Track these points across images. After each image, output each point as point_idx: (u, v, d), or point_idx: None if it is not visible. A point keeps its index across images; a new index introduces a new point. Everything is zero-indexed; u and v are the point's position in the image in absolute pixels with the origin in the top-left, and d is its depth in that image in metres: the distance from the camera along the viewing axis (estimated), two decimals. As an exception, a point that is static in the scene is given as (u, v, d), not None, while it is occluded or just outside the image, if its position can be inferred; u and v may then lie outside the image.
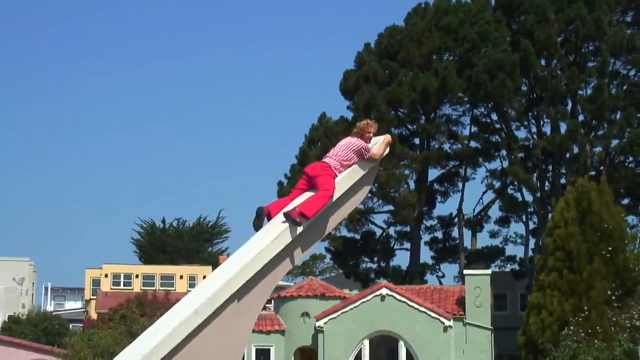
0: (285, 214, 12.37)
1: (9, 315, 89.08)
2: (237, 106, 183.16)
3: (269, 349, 57.88)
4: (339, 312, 56.70)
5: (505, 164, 79.11)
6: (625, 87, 74.94)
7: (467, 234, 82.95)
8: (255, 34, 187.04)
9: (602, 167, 74.78)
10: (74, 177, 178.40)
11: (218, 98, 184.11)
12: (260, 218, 12.55)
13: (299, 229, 12.32)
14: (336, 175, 12.74)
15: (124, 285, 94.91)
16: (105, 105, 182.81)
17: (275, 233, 12.21)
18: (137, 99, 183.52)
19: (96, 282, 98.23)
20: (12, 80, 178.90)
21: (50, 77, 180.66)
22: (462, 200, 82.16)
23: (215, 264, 71.41)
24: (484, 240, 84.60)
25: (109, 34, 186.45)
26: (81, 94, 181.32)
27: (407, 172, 78.83)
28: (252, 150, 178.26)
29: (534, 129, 78.52)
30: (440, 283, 78.86)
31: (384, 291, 57.39)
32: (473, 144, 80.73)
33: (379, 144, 13.33)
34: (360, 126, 13.62)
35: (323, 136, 73.85)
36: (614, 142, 74.96)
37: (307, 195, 12.67)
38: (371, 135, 13.55)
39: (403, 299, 56.83)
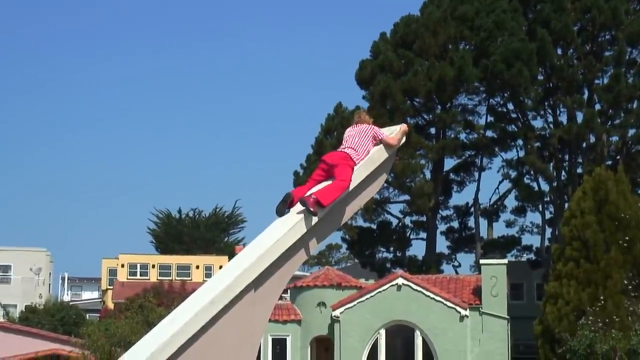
0: (301, 200, 12.36)
1: (26, 305, 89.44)
2: (253, 96, 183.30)
3: (286, 339, 57.99)
4: (355, 302, 56.76)
5: (522, 153, 79.12)
6: (642, 77, 74.80)
7: (483, 223, 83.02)
8: (272, 26, 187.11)
9: (618, 157, 74.69)
10: (91, 167, 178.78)
11: (236, 89, 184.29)
12: (286, 204, 12.54)
13: (315, 219, 12.33)
14: (355, 164, 12.73)
15: (140, 275, 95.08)
16: (122, 95, 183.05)
17: (291, 223, 12.23)
18: (156, 90, 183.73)
19: (113, 272, 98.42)
20: (28, 66, 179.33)
21: (64, 64, 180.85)
22: (478, 189, 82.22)
23: (231, 254, 71.46)
24: (500, 229, 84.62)
25: (131, 17, 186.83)
26: (100, 82, 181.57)
27: (423, 161, 78.82)
28: (268, 141, 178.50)
29: (550, 119, 78.55)
30: (457, 273, 78.85)
31: (400, 281, 57.43)
32: (489, 133, 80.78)
33: (395, 133, 13.33)
34: (356, 120, 13.60)
35: (339, 126, 73.73)
36: (631, 132, 74.90)
37: (324, 184, 12.67)
38: (365, 121, 13.55)
39: (419, 288, 56.86)
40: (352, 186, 12.68)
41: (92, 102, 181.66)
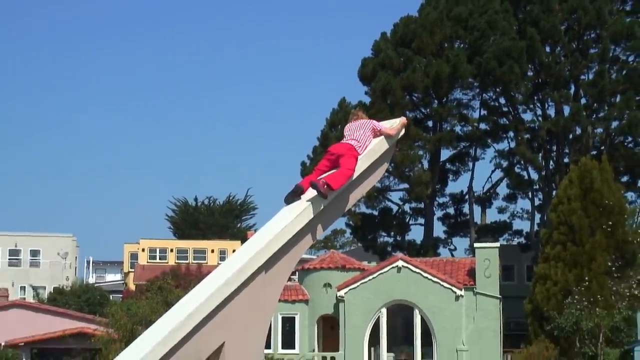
0: (312, 183, 12.38)
1: (54, 287, 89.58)
2: (264, 93, 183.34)
3: (294, 317, 58.07)
4: (358, 283, 56.83)
5: (513, 144, 79.20)
6: (624, 72, 74.78)
7: (477, 209, 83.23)
8: (276, 26, 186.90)
9: (603, 147, 74.69)
10: (114, 158, 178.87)
11: (250, 87, 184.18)
12: (295, 194, 12.54)
13: (322, 205, 12.34)
14: (359, 155, 12.74)
15: (159, 259, 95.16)
16: (149, 86, 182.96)
17: (299, 210, 12.24)
18: (176, 82, 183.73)
19: (134, 256, 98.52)
20: (58, 47, 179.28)
21: (88, 47, 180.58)
22: (472, 178, 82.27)
23: (243, 239, 71.50)
24: (492, 215, 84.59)
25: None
26: (127, 70, 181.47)
27: (421, 152, 78.85)
28: (277, 133, 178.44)
29: (539, 112, 78.62)
30: (452, 255, 78.86)
31: (400, 263, 57.49)
32: (482, 126, 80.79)
33: (395, 125, 13.33)
34: (354, 118, 13.57)
35: (343, 120, 73.60)
36: (614, 124, 74.90)
37: (331, 172, 12.69)
38: (365, 118, 13.54)
39: (418, 270, 56.92)
40: (355, 175, 12.69)
41: (119, 92, 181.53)
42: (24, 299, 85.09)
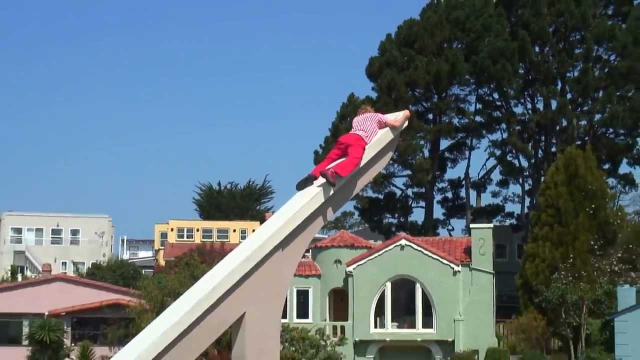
0: (322, 173, 12.40)
1: (92, 263, 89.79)
2: (280, 90, 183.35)
3: (308, 290, 58.13)
4: (365, 260, 56.87)
5: (505, 135, 79.26)
6: (606, 70, 74.73)
7: (472, 194, 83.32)
8: (294, 25, 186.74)
9: (586, 138, 74.62)
10: (145, 145, 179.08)
11: (270, 82, 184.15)
12: (307, 181, 12.56)
13: (331, 191, 12.36)
14: (366, 144, 12.75)
15: (186, 238, 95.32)
16: (178, 76, 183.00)
17: (312, 194, 12.26)
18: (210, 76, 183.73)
19: (164, 235, 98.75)
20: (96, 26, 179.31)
21: (130, 30, 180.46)
22: (468, 166, 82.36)
23: (262, 220, 71.55)
24: (487, 199, 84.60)
25: None
26: (157, 60, 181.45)
27: (422, 142, 78.93)
28: (292, 125, 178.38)
29: (529, 106, 78.71)
30: (450, 235, 78.82)
31: (403, 242, 57.52)
32: (478, 118, 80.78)
33: (400, 117, 13.33)
34: (361, 110, 13.56)
35: (351, 112, 73.49)
36: (597, 117, 74.87)
37: (340, 160, 12.71)
38: (372, 112, 13.53)
39: (419, 248, 56.93)
40: (362, 163, 12.70)
41: (154, 84, 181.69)
42: (65, 273, 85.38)
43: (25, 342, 56.98)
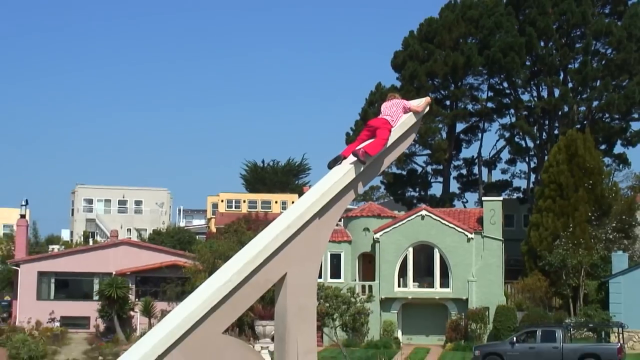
0: (354, 152, 12.40)
1: (153, 229, 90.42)
2: (317, 80, 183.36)
3: (340, 254, 58.22)
4: (390, 228, 56.88)
5: (513, 119, 78.91)
6: (603, 62, 74.34)
7: (484, 171, 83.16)
8: (327, 28, 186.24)
9: (585, 122, 74.24)
10: (200, 126, 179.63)
11: (309, 74, 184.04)
12: (337, 160, 12.57)
13: (362, 168, 12.36)
14: (392, 127, 12.73)
15: (234, 208, 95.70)
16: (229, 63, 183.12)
17: (344, 171, 12.27)
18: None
19: (215, 206, 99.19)
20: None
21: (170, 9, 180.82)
22: (481, 146, 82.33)
23: (300, 193, 71.77)
24: (497, 175, 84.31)
25: None
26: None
27: (440, 125, 78.75)
28: (328, 109, 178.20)
29: (535, 94, 78.33)
30: (465, 206, 78.74)
31: (423, 212, 57.46)
32: (489, 104, 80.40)
33: (421, 103, 13.29)
34: (390, 98, 13.52)
35: (378, 99, 73.53)
36: (595, 103, 74.58)
37: (369, 141, 12.70)
38: (398, 98, 13.48)
39: (437, 218, 56.86)
40: (389, 144, 12.68)
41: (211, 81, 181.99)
42: (130, 238, 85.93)
43: (96, 298, 57.50)
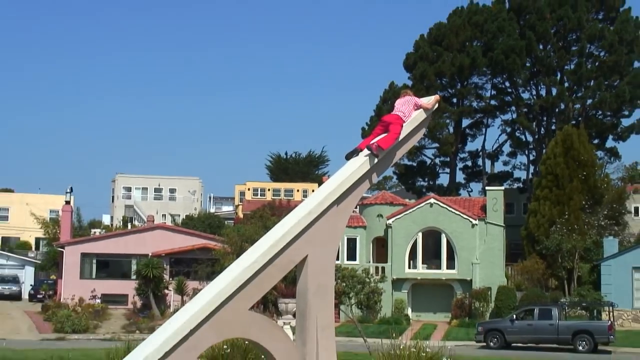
0: (368, 146, 12.39)
1: (186, 215, 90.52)
2: (336, 76, 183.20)
3: (356, 238, 58.26)
4: (402, 214, 56.85)
5: (514, 116, 78.87)
6: (597, 64, 74.17)
7: (487, 163, 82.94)
8: (345, 30, 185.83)
9: (580, 118, 74.06)
10: (228, 118, 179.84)
11: (329, 74, 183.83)
12: (354, 153, 12.57)
13: (376, 160, 12.35)
14: (404, 122, 12.72)
15: (260, 196, 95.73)
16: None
17: (360, 163, 12.27)
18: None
19: (242, 194, 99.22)
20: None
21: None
22: (484, 140, 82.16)
23: (320, 182, 71.76)
24: (499, 167, 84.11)
25: None
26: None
27: (447, 121, 78.66)
28: (345, 107, 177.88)
29: (534, 92, 78.26)
30: (469, 195, 78.63)
31: (432, 200, 57.39)
32: (492, 102, 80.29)
33: (431, 100, 13.27)
34: (403, 92, 13.50)
35: (392, 97, 73.56)
36: (589, 101, 74.41)
37: (382, 136, 12.69)
38: (411, 95, 13.45)
39: (444, 205, 56.77)
40: (400, 138, 12.66)
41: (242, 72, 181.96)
42: (165, 223, 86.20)
43: (134, 277, 57.70)
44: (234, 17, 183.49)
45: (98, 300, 56.15)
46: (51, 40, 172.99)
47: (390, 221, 56.76)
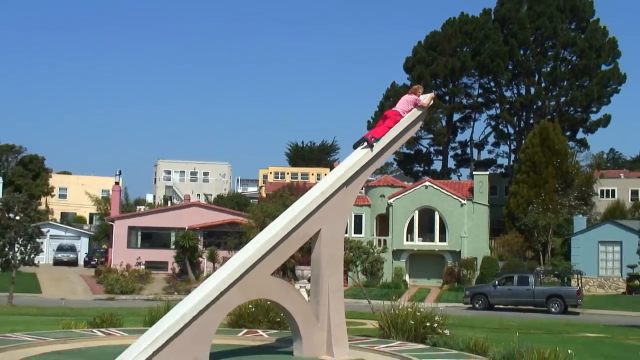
0: (364, 138, 12.44)
1: (217, 194, 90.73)
2: (346, 75, 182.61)
3: (362, 215, 58.25)
4: (401, 195, 56.80)
5: (498, 111, 78.57)
6: (570, 67, 73.83)
7: (475, 151, 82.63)
8: (356, 35, 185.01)
9: (554, 114, 73.76)
10: (256, 112, 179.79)
11: (343, 73, 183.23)
12: (361, 142, 12.58)
13: (379, 149, 12.36)
14: (402, 117, 12.73)
15: (280, 178, 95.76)
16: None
17: (366, 151, 12.29)
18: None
19: (265, 177, 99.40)
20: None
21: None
22: (472, 132, 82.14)
23: (331, 167, 71.70)
24: (484, 154, 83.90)
25: None
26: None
27: (440, 115, 78.37)
28: (353, 102, 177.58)
29: (515, 91, 77.83)
30: (459, 179, 78.44)
31: (427, 183, 57.32)
32: (480, 99, 79.99)
33: (426, 98, 13.26)
34: (413, 88, 13.47)
35: (393, 95, 73.46)
36: (563, 99, 74.03)
37: (377, 127, 12.74)
38: (420, 93, 13.44)
39: (438, 187, 56.69)
40: (399, 130, 12.65)
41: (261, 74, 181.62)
42: (199, 201, 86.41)
43: (173, 247, 57.89)
44: (264, 31, 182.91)
45: (142, 267, 56.41)
46: (126, 41, 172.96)
47: (391, 201, 56.74)
